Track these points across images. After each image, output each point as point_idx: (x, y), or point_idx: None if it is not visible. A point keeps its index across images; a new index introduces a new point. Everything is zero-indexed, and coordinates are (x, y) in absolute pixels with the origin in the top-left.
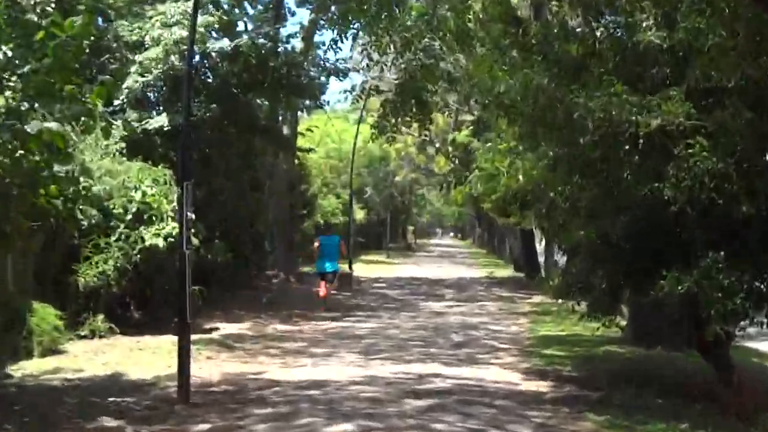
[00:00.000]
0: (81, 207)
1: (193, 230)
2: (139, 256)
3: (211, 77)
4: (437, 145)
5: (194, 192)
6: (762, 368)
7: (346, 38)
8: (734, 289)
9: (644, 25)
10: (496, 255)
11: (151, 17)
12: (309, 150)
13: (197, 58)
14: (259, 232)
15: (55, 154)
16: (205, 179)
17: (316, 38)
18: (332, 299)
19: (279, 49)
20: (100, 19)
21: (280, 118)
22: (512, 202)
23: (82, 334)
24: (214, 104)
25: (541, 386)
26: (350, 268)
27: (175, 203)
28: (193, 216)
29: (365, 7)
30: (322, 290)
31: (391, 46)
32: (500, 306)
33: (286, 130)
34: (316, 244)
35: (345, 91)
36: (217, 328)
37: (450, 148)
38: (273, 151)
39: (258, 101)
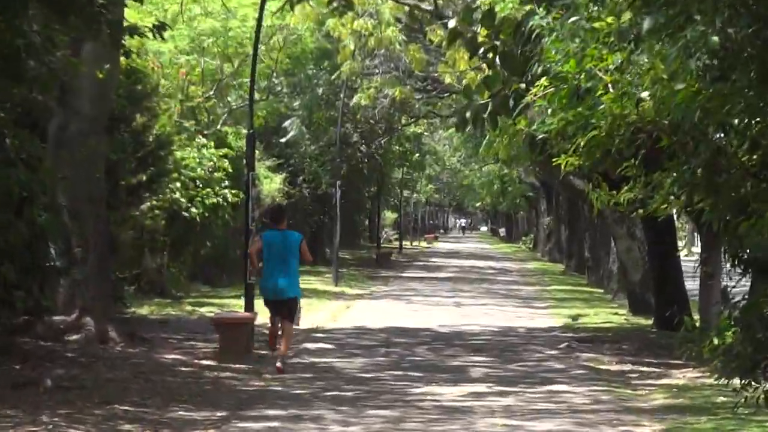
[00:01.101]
0: None
1: None
2: None
3: None
4: (451, 24)
5: None
6: None
7: None
8: None
9: None
10: (586, 276)
11: None
12: (154, 33)
13: None
14: (38, 227)
15: None
16: None
17: None
18: (206, 378)
19: None
20: None
21: None
22: (626, 152)
23: None
24: None
25: None
26: (250, 307)
27: None
28: None
29: None
30: (277, 336)
31: None
32: (597, 394)
33: None
34: (257, 245)
35: None
36: None
37: (480, 30)
38: (69, 39)
39: None
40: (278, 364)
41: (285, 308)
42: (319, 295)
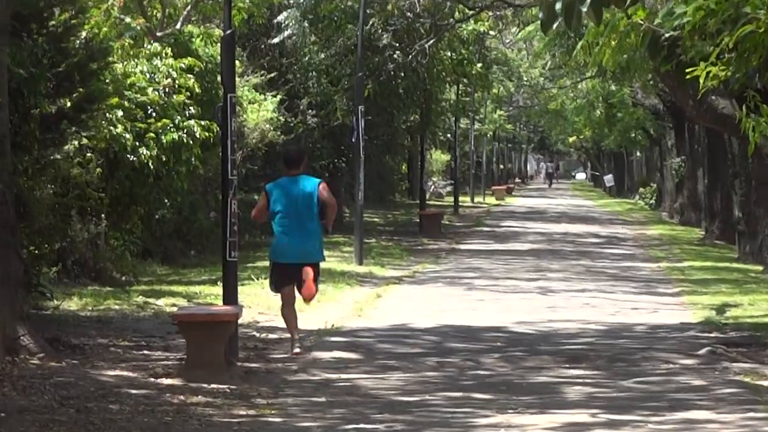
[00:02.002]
0: None
1: None
2: None
3: None
4: None
5: None
6: None
7: None
8: None
9: None
10: (736, 247)
11: None
12: None
13: None
14: None
15: None
16: None
17: None
18: (167, 406)
19: None
20: None
21: None
22: None
23: None
24: None
25: None
26: (231, 298)
27: None
28: None
29: None
30: (296, 301)
31: None
32: (756, 423)
33: None
34: (261, 202)
35: None
36: None
37: None
38: None
39: None
40: (297, 349)
41: (307, 271)
42: (335, 278)
